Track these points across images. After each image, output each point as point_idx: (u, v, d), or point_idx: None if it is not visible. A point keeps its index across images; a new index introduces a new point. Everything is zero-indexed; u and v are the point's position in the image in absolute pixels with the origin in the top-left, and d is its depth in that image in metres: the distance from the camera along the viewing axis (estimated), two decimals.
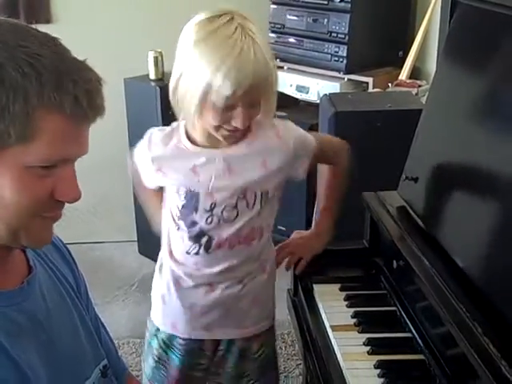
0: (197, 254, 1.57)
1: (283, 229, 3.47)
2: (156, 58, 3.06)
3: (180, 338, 1.66)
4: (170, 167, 1.55)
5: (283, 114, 3.42)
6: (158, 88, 3.03)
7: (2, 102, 0.85)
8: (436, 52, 2.85)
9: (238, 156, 1.52)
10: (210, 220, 1.54)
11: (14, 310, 0.97)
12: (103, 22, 3.29)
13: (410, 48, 2.97)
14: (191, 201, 1.54)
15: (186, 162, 1.53)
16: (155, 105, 3.03)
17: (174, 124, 1.57)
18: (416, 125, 1.65)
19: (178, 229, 1.58)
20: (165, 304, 1.66)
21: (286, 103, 3.45)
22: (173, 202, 1.57)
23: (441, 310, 1.25)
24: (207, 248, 1.56)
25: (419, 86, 2.68)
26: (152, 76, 3.10)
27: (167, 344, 1.68)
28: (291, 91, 3.27)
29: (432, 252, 1.40)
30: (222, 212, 1.53)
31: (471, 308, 1.19)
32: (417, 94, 2.57)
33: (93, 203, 3.40)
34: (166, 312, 1.67)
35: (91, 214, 3.31)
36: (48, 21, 3.19)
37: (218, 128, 1.46)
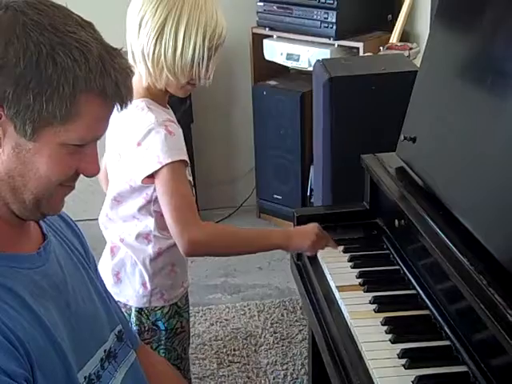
0: None
1: (279, 197, 3.50)
2: None
3: None
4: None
5: (274, 82, 3.42)
6: None
7: (53, 84, 0.91)
8: (425, 13, 2.86)
9: None
10: None
11: (35, 272, 1.02)
12: None
13: (399, 11, 2.96)
14: None
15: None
16: None
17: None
18: (411, 86, 1.66)
19: None
20: None
21: (277, 72, 3.45)
22: None
23: (445, 264, 1.27)
24: None
25: (410, 48, 2.68)
26: None
27: None
28: (281, 60, 3.26)
29: (433, 209, 1.42)
30: None
31: (475, 261, 1.22)
32: (408, 56, 2.57)
33: (88, 180, 3.38)
34: None
35: (88, 192, 3.31)
36: None
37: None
